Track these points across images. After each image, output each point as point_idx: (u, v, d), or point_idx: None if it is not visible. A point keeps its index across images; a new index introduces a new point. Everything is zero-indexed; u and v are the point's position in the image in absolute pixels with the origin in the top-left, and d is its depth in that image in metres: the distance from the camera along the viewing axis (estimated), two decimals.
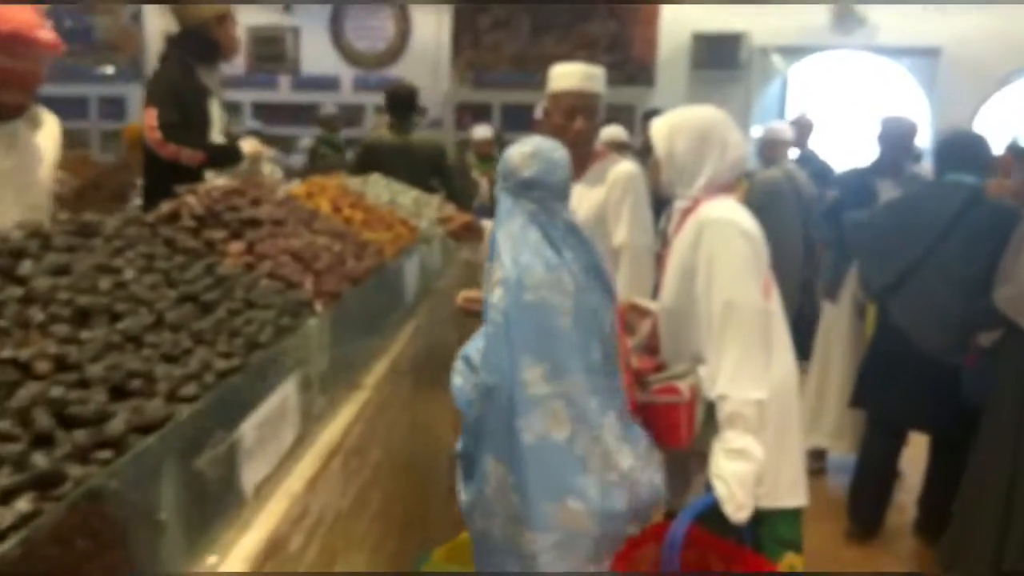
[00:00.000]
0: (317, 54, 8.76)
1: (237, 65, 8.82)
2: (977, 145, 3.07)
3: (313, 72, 8.75)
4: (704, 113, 2.01)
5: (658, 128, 2.01)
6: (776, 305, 1.93)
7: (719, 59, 8.36)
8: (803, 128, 5.20)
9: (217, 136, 3.24)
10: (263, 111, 8.57)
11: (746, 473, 1.73)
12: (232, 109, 8.25)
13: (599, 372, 1.73)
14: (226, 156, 3.14)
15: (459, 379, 1.75)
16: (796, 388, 1.93)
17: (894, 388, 3.09)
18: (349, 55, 8.80)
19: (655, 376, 1.93)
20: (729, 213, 1.88)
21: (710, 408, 1.82)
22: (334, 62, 8.78)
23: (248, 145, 3.25)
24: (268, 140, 7.70)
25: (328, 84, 8.62)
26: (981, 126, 8.29)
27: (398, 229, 2.17)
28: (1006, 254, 2.62)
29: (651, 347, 2.07)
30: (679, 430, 1.85)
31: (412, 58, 8.68)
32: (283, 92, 8.76)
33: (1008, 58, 7.91)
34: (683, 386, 1.85)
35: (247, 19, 8.79)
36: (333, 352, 1.41)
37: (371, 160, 3.29)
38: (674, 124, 1.99)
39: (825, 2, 8.18)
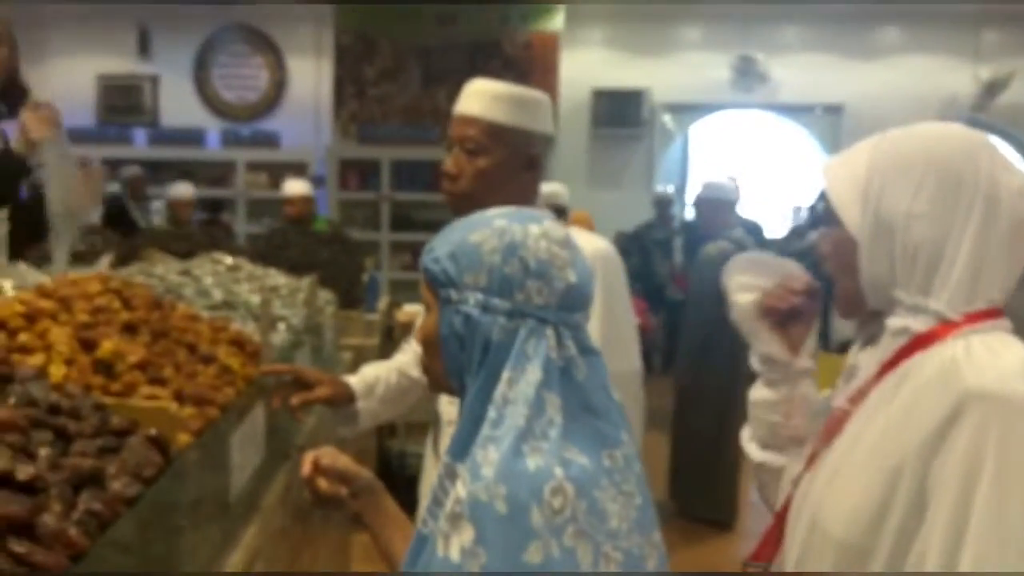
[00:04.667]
0: (179, 105, 7.79)
1: (85, 116, 7.80)
2: None
3: (174, 124, 7.76)
4: (944, 136, 1.00)
5: (844, 172, 1.03)
6: None
7: (620, 116, 8.01)
8: (738, 190, 4.55)
9: None
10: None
11: None
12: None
13: None
14: None
15: None
16: None
17: None
18: (216, 106, 7.87)
19: None
20: None
21: None
22: (199, 114, 7.83)
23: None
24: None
25: (192, 138, 7.64)
26: None
27: (224, 360, 1.32)
28: None
29: None
30: None
31: (289, 110, 7.85)
32: (139, 147, 7.71)
33: (911, 115, 7.75)
34: None
35: (97, 66, 7.79)
36: None
37: None
38: (881, 160, 1.00)
39: (723, 53, 7.91)
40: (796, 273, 1.18)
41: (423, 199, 6.99)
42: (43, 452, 0.77)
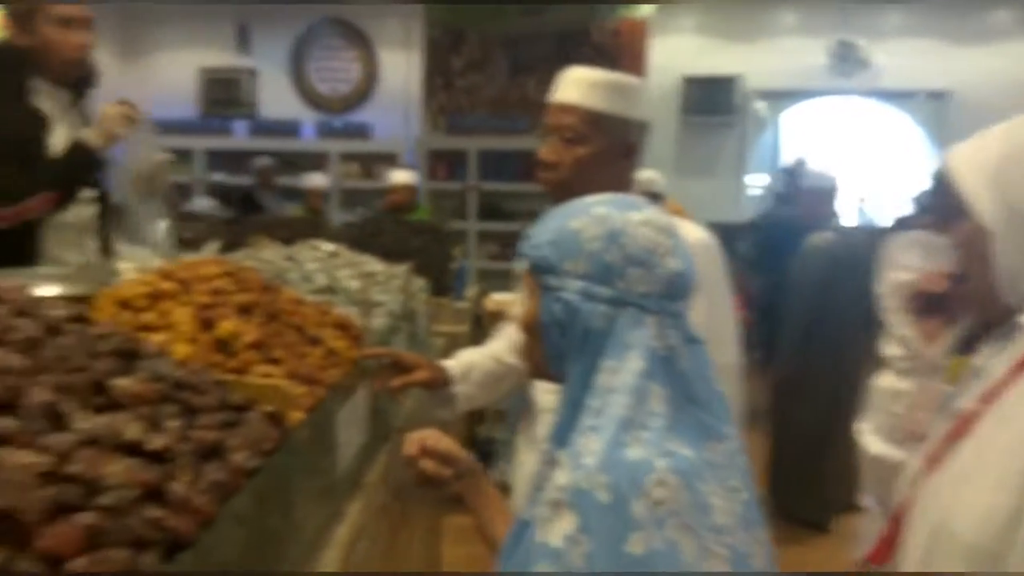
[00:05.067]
0: (276, 97, 8.03)
1: (188, 109, 8.12)
2: None
3: (271, 116, 8.00)
4: None
5: (973, 161, 1.00)
6: None
7: (712, 104, 7.85)
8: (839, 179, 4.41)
9: None
10: (217, 159, 7.78)
11: None
12: (182, 157, 7.48)
13: None
14: (75, 167, 2.13)
15: None
16: None
17: None
18: (311, 98, 8.08)
19: None
20: None
21: None
22: (295, 106, 8.06)
23: (111, 113, 2.18)
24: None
25: (288, 129, 7.86)
26: None
27: (329, 343, 1.37)
28: None
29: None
30: None
31: (380, 102, 7.99)
32: (239, 138, 7.98)
33: (1020, 102, 7.40)
34: None
35: (199, 60, 8.09)
36: None
37: None
38: (1013, 147, 0.97)
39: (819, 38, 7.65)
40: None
41: (510, 189, 7.03)
42: (171, 424, 0.81)
